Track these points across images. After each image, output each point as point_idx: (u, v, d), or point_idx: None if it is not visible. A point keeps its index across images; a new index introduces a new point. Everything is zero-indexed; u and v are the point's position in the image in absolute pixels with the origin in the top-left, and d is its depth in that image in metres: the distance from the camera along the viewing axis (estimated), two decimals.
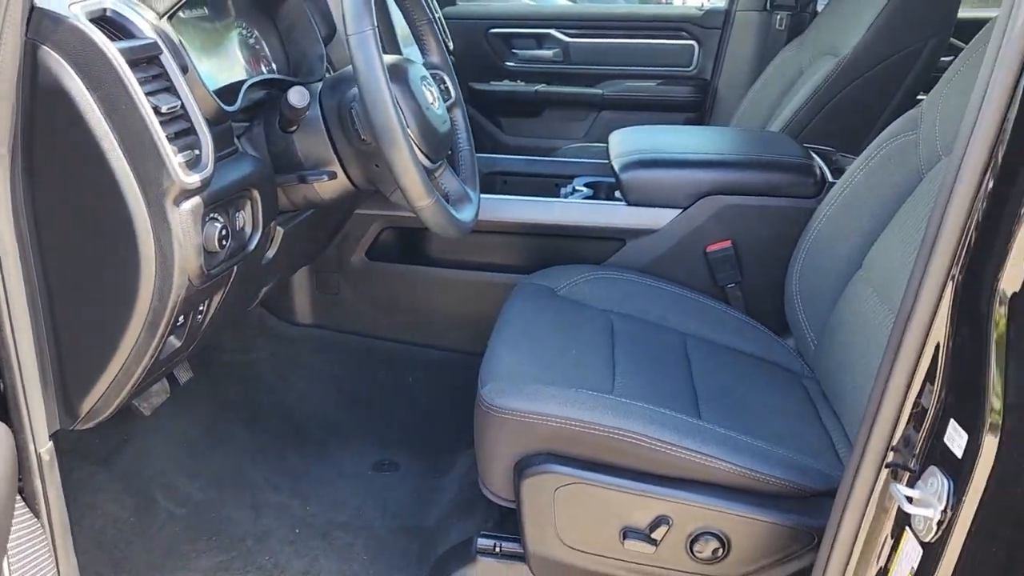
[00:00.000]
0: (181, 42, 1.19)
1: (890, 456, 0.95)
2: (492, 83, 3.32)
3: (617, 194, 1.89)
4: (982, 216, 0.84)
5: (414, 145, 1.34)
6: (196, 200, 1.10)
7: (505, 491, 1.33)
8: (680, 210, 1.81)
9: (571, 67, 3.27)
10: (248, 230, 1.30)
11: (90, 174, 1.05)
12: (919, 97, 2.25)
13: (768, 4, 2.99)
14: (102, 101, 1.03)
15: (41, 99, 1.02)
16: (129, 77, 1.03)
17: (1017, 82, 0.82)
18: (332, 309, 2.08)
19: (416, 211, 1.32)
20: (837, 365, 1.44)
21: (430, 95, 1.45)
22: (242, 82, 1.37)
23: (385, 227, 1.97)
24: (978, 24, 1.46)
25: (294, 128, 1.40)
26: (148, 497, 1.75)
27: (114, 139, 1.03)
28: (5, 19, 0.95)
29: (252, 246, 1.30)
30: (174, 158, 1.06)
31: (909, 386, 0.92)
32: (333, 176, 1.42)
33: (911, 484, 0.91)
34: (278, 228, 1.47)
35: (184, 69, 1.15)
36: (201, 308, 1.27)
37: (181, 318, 1.20)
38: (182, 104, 1.11)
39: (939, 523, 0.86)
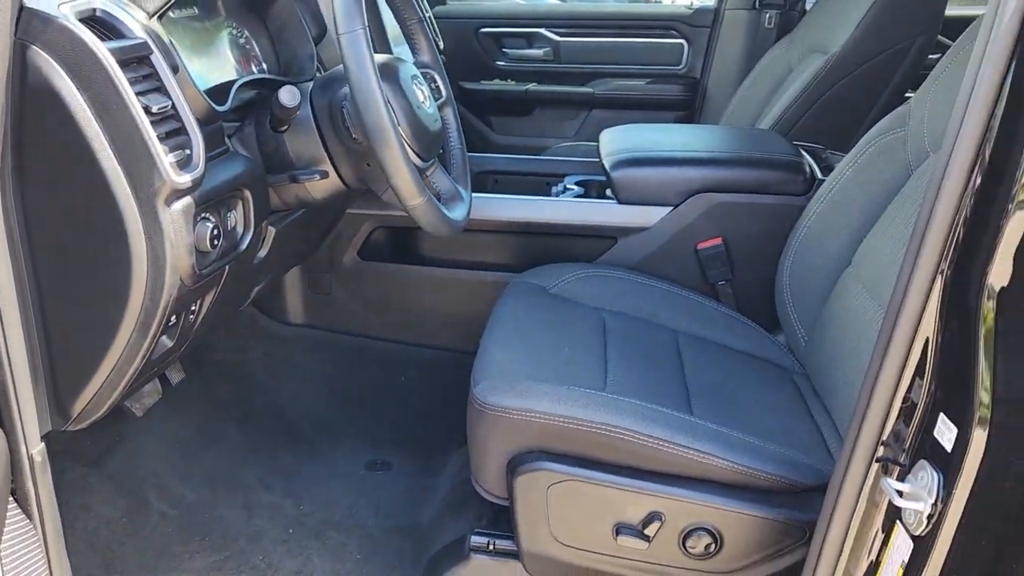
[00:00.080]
0: (171, 42, 1.19)
1: (880, 450, 0.96)
2: (482, 82, 3.32)
3: (608, 192, 1.90)
4: (970, 212, 0.85)
5: (405, 144, 1.34)
6: (187, 200, 1.10)
7: (498, 489, 1.33)
8: (671, 208, 1.82)
9: (561, 66, 3.28)
10: (240, 230, 1.30)
11: (81, 174, 1.05)
12: (907, 95, 2.26)
13: (757, 2, 3.00)
14: (92, 101, 1.02)
15: (31, 99, 1.01)
16: (119, 77, 1.03)
17: (1004, 79, 0.82)
18: (324, 309, 2.08)
19: (408, 210, 1.32)
20: (827, 361, 1.45)
21: (421, 94, 1.45)
22: (232, 82, 1.37)
23: (377, 226, 1.97)
24: (965, 22, 1.47)
25: (285, 128, 1.40)
26: (140, 498, 1.75)
27: (104, 139, 1.03)
28: None
29: (244, 246, 1.30)
30: (165, 158, 1.05)
31: (899, 381, 0.92)
32: (325, 175, 1.42)
33: (901, 478, 0.92)
34: (270, 228, 1.47)
35: (175, 69, 1.15)
36: (193, 308, 1.26)
37: (173, 318, 1.19)
38: (173, 104, 1.11)
39: (929, 516, 0.87)
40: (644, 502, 1.24)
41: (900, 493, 0.90)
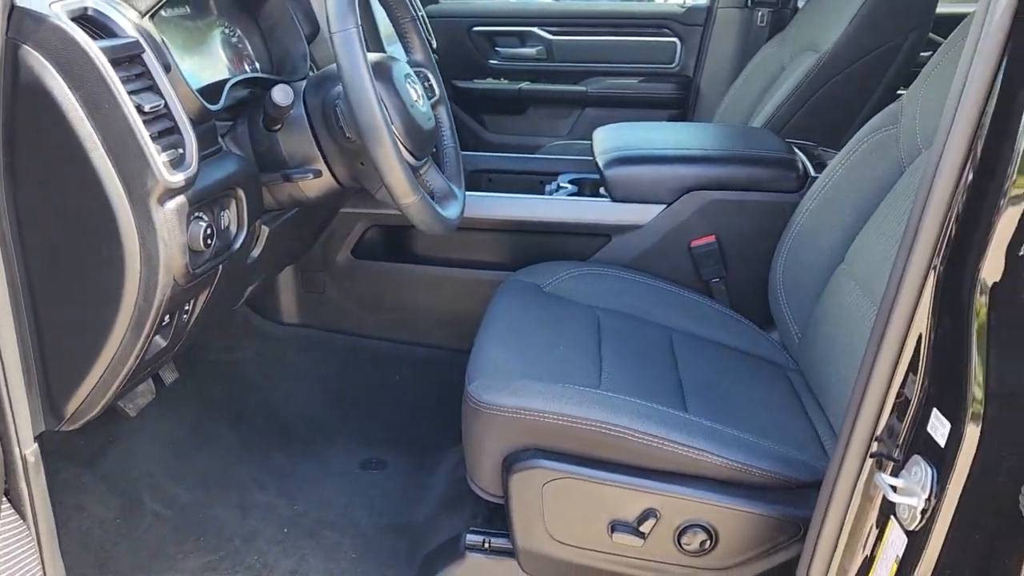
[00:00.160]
0: (163, 41, 1.18)
1: (874, 446, 0.96)
2: (475, 81, 3.31)
3: (602, 190, 1.90)
4: (962, 208, 0.85)
5: (399, 142, 1.34)
6: (181, 199, 1.10)
7: (493, 487, 1.33)
8: (664, 206, 1.82)
9: (554, 65, 3.28)
10: (233, 229, 1.30)
11: (73, 173, 1.04)
12: (899, 92, 2.27)
13: (749, 1, 3.00)
14: (84, 100, 1.02)
15: (23, 98, 1.01)
16: (111, 76, 1.02)
17: (995, 76, 0.83)
18: (318, 308, 2.07)
19: (401, 208, 1.32)
20: (821, 357, 1.45)
21: (414, 92, 1.45)
22: (225, 81, 1.37)
23: (371, 225, 1.97)
24: (956, 19, 1.48)
25: (278, 127, 1.39)
26: (134, 498, 1.74)
27: (97, 138, 1.03)
28: None
29: (237, 245, 1.30)
30: (158, 157, 1.05)
31: (892, 377, 0.93)
32: (318, 174, 1.42)
33: (895, 473, 0.92)
34: (263, 227, 1.47)
35: (167, 68, 1.15)
36: (187, 307, 1.26)
37: (166, 318, 1.19)
38: (165, 103, 1.10)
39: (923, 512, 0.87)
40: (639, 499, 1.25)
41: (894, 488, 0.90)
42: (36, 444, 1.11)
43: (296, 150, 1.41)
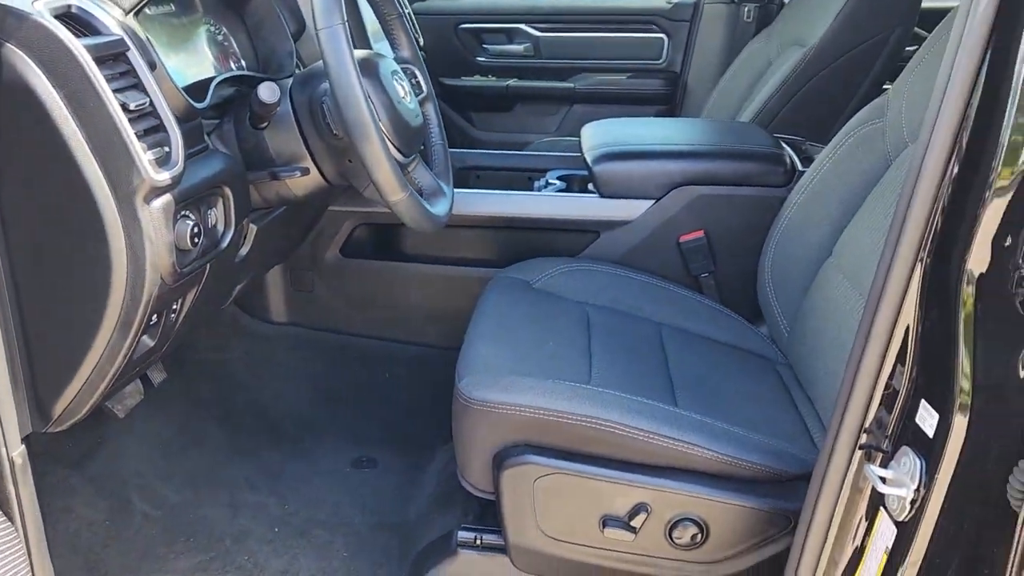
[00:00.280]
0: (148, 39, 1.18)
1: (863, 438, 0.97)
2: (463, 78, 3.31)
3: (590, 186, 1.90)
4: (948, 200, 0.86)
5: (386, 139, 1.33)
6: (167, 198, 1.09)
7: (484, 483, 1.33)
8: (653, 201, 1.82)
9: (542, 61, 3.27)
10: (220, 227, 1.29)
11: (58, 172, 1.04)
12: (885, 86, 2.28)
13: None
14: (69, 99, 1.01)
15: (6, 97, 1.00)
16: (96, 74, 1.02)
17: (979, 69, 0.83)
18: (307, 307, 2.06)
19: (390, 205, 1.32)
20: (810, 350, 1.46)
21: (401, 89, 1.45)
22: (211, 79, 1.36)
23: (359, 223, 1.96)
24: (941, 13, 1.49)
25: (265, 124, 1.39)
26: (123, 499, 1.73)
27: (82, 137, 1.02)
28: None
29: (225, 244, 1.29)
30: (143, 155, 1.05)
31: (880, 368, 0.93)
32: (306, 172, 1.41)
33: (884, 465, 0.92)
34: (251, 225, 1.46)
35: (152, 66, 1.14)
36: (174, 307, 1.25)
37: (154, 317, 1.18)
38: (151, 101, 1.10)
39: (912, 502, 0.88)
40: (630, 494, 1.25)
41: (883, 480, 0.91)
42: (23, 446, 1.10)
43: (283, 148, 1.40)
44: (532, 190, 2.01)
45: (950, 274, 0.84)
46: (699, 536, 1.25)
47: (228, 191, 1.28)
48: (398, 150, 1.39)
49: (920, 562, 0.88)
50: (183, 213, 1.16)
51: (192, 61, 1.40)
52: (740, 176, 1.81)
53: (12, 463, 1.08)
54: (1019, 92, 0.79)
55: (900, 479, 0.89)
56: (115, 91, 1.04)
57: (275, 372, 2.08)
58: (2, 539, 1.07)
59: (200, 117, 1.29)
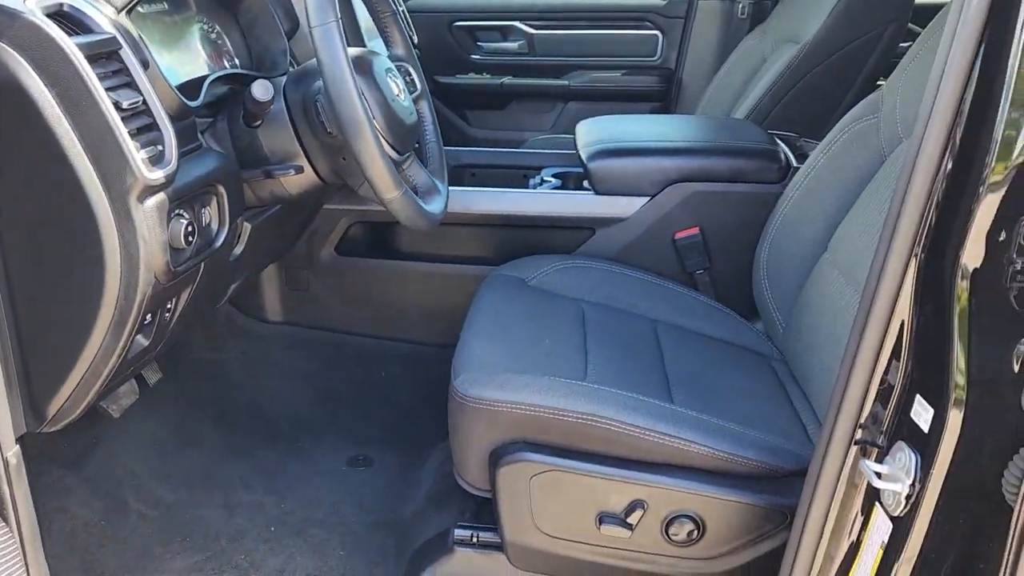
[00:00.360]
0: (141, 37, 1.17)
1: (858, 433, 0.97)
2: (457, 76, 3.30)
3: (585, 184, 1.90)
4: (942, 195, 0.86)
5: (381, 137, 1.33)
6: (160, 196, 1.09)
7: (481, 481, 1.33)
8: (648, 198, 1.82)
9: (536, 59, 3.27)
10: (214, 226, 1.29)
11: (51, 172, 1.03)
12: (879, 82, 2.28)
13: None
14: (61, 98, 1.01)
15: None
16: (88, 73, 1.01)
17: (972, 64, 0.83)
18: (302, 305, 2.06)
19: (384, 203, 1.32)
20: (805, 346, 1.46)
21: (395, 87, 1.44)
22: (204, 77, 1.36)
23: (354, 222, 1.96)
24: (935, 9, 1.49)
25: (259, 123, 1.38)
26: (119, 499, 1.73)
27: (75, 136, 1.02)
28: None
29: (219, 242, 1.29)
30: (137, 154, 1.04)
31: (875, 364, 0.93)
32: (300, 170, 1.41)
33: (879, 460, 0.93)
34: (245, 224, 1.46)
35: (145, 64, 1.14)
36: (169, 306, 1.25)
37: (148, 316, 1.18)
38: (144, 100, 1.10)
39: (908, 497, 0.88)
40: (626, 490, 1.25)
41: (878, 475, 0.91)
42: (18, 446, 1.10)
43: (277, 146, 1.40)
44: (527, 188, 2.01)
45: (944, 269, 0.84)
46: (695, 532, 1.25)
47: (222, 189, 1.28)
48: (392, 148, 1.39)
49: (916, 557, 0.89)
50: (177, 212, 1.16)
51: (185, 59, 1.40)
52: (735, 173, 1.81)
53: (7, 463, 1.07)
54: (1012, 87, 0.79)
55: (895, 474, 0.89)
56: (108, 90, 1.04)
57: (271, 371, 2.07)
58: None
59: (193, 115, 1.28)
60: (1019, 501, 0.79)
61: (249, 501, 1.77)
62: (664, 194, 1.81)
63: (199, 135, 1.32)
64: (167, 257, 1.12)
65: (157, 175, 1.06)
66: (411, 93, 1.57)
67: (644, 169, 1.83)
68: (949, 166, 0.85)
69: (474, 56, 3.29)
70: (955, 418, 0.83)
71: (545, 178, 2.02)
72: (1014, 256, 0.79)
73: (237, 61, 1.53)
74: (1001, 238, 0.79)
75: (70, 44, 1.01)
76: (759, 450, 1.25)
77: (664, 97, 3.20)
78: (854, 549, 0.98)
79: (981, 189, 0.80)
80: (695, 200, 1.81)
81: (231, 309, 2.09)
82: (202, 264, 1.26)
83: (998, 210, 0.80)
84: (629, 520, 1.25)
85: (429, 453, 1.87)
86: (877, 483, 0.90)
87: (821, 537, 1.02)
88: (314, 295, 2.04)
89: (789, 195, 1.65)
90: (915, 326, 0.89)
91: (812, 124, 2.17)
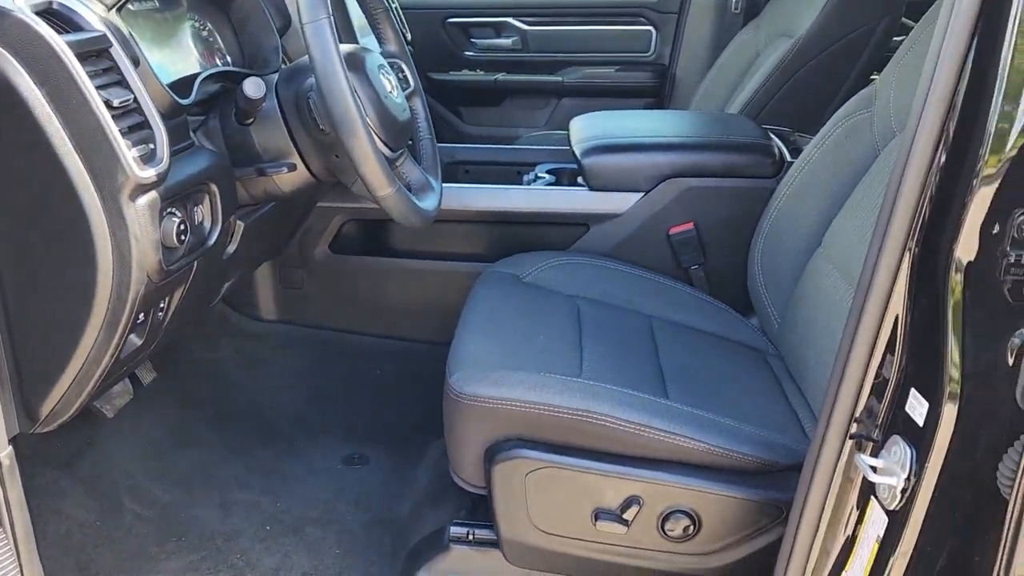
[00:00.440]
0: (131, 34, 1.17)
1: (854, 427, 0.97)
2: (451, 73, 3.30)
3: (579, 180, 1.89)
4: (936, 189, 0.86)
5: (373, 134, 1.32)
6: (152, 195, 1.08)
7: (476, 478, 1.33)
8: (642, 194, 1.82)
9: (530, 55, 3.26)
10: (207, 225, 1.28)
11: (42, 171, 1.03)
12: (872, 77, 2.28)
13: None
14: (51, 96, 1.01)
15: None
16: (79, 71, 1.01)
17: (965, 58, 0.83)
18: (297, 304, 2.06)
19: (378, 201, 1.31)
20: (800, 341, 1.46)
21: (388, 83, 1.44)
22: (196, 75, 1.35)
23: (348, 219, 1.96)
24: (928, 2, 1.48)
25: (251, 120, 1.38)
26: (114, 500, 1.72)
27: (65, 135, 1.01)
28: None
29: (212, 241, 1.28)
30: (128, 152, 1.04)
31: (870, 358, 0.93)
32: (293, 168, 1.41)
33: (875, 454, 0.93)
34: (238, 222, 1.46)
35: (135, 62, 1.13)
36: (162, 305, 1.25)
37: (141, 316, 1.18)
38: (135, 98, 1.09)
39: (903, 491, 0.88)
40: (622, 487, 1.25)
41: (874, 469, 0.91)
42: (10, 447, 1.09)
43: (270, 144, 1.39)
44: (521, 184, 2.01)
45: (938, 263, 0.84)
46: (691, 528, 1.25)
47: (214, 188, 1.28)
48: (385, 145, 1.38)
49: (911, 550, 0.89)
50: (169, 210, 1.15)
51: (177, 57, 1.39)
52: (729, 168, 1.81)
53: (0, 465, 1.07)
54: (1005, 80, 0.79)
55: (890, 468, 0.89)
56: (98, 88, 1.03)
57: (265, 370, 2.07)
58: None
59: (185, 113, 1.28)
60: (1014, 493, 0.79)
61: (245, 500, 1.76)
62: (658, 190, 1.81)
63: (191, 133, 1.31)
64: (159, 256, 1.11)
65: (148, 173, 1.05)
66: (404, 90, 1.57)
67: (638, 165, 1.83)
68: (942, 159, 0.85)
69: (468, 52, 3.29)
70: (950, 411, 0.83)
71: (539, 174, 2.01)
72: (1008, 249, 0.79)
73: (229, 59, 1.53)
74: (995, 231, 0.80)
75: (60, 42, 1.00)
76: (754, 445, 1.25)
77: (658, 93, 3.19)
78: (850, 543, 0.98)
79: (974, 182, 0.80)
80: (689, 195, 1.80)
81: (225, 308, 2.08)
82: (195, 263, 1.25)
83: (991, 203, 0.80)
84: (625, 516, 1.25)
85: (425, 451, 1.87)
86: (872, 477, 0.90)
87: (817, 531, 1.02)
88: (308, 293, 2.03)
89: (783, 190, 1.65)
90: (909, 320, 0.89)
91: (806, 119, 2.17)
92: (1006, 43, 0.79)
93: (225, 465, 1.85)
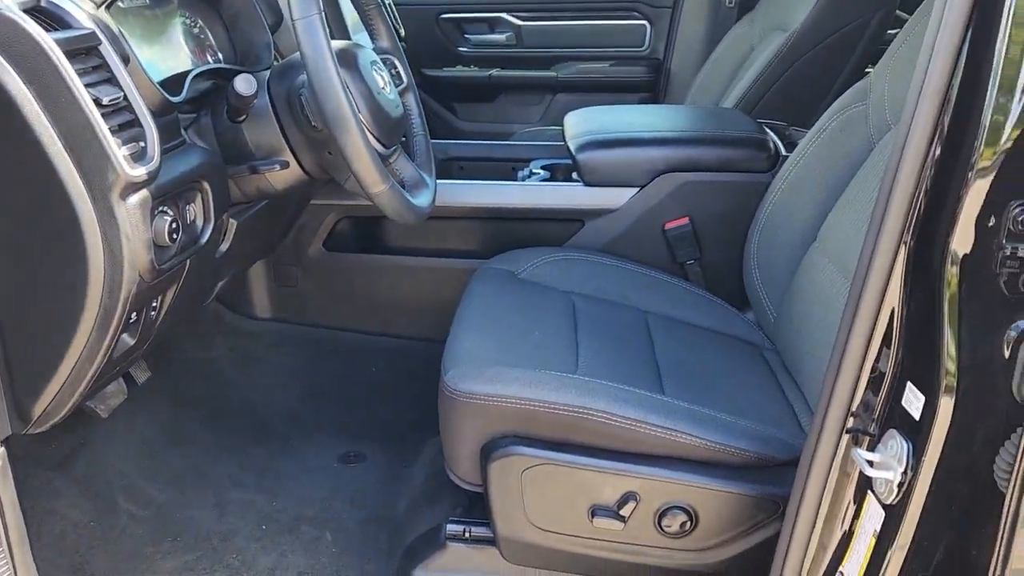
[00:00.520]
0: (121, 32, 1.16)
1: (850, 421, 0.96)
2: (445, 69, 3.29)
3: (574, 175, 1.89)
4: (931, 182, 0.86)
5: (366, 130, 1.32)
6: (143, 193, 1.08)
7: (472, 476, 1.32)
8: (637, 189, 1.82)
9: (524, 51, 3.25)
10: (199, 223, 1.27)
11: (31, 170, 1.02)
12: (867, 70, 2.28)
13: None
14: (40, 95, 1.00)
15: None
16: (67, 69, 1.00)
17: (959, 50, 0.83)
18: (291, 302, 2.05)
19: (371, 198, 1.31)
20: (796, 335, 1.46)
21: (381, 80, 1.43)
22: (187, 72, 1.34)
23: (342, 217, 1.95)
24: None
25: (243, 117, 1.37)
26: (109, 500, 1.71)
27: (55, 133, 1.01)
28: None
29: (204, 239, 1.28)
30: (118, 151, 1.03)
31: (866, 351, 0.93)
32: (285, 165, 1.40)
33: (871, 448, 0.92)
34: (231, 220, 1.45)
35: (125, 59, 1.12)
36: (154, 304, 1.24)
37: (133, 315, 1.17)
38: (125, 95, 1.08)
39: (900, 485, 0.88)
40: (619, 483, 1.24)
41: (870, 463, 0.90)
42: (3, 448, 1.09)
43: (262, 141, 1.39)
44: (516, 180, 2.00)
45: (934, 256, 0.84)
46: (688, 524, 1.25)
47: (207, 186, 1.27)
48: (378, 141, 1.38)
49: (908, 545, 0.88)
50: (161, 209, 1.15)
51: (167, 54, 1.38)
52: (724, 162, 1.80)
53: None
54: (1000, 72, 0.79)
55: (887, 462, 0.89)
56: (87, 85, 1.02)
57: (260, 368, 2.06)
58: None
59: (176, 111, 1.27)
60: (1011, 486, 0.79)
61: (240, 499, 1.76)
62: (653, 184, 1.81)
63: (182, 131, 1.30)
64: (151, 255, 1.10)
65: (139, 172, 1.05)
66: (397, 86, 1.56)
67: (633, 160, 1.82)
68: (937, 152, 0.85)
69: (461, 48, 3.28)
70: (946, 405, 0.83)
71: (534, 170, 2.01)
72: (1003, 241, 0.79)
73: (220, 56, 1.52)
74: (990, 224, 0.79)
75: (48, 40, 0.99)
76: (751, 440, 1.25)
77: (653, 87, 3.19)
78: (847, 538, 0.98)
79: (969, 175, 0.80)
80: (684, 190, 1.80)
81: (219, 307, 2.07)
82: (187, 261, 1.25)
83: (987, 195, 0.80)
84: (622, 512, 1.25)
85: (421, 448, 1.86)
86: (869, 471, 0.90)
87: (814, 526, 1.02)
88: (303, 291, 2.02)
89: (778, 184, 1.65)
90: (905, 313, 0.89)
91: (801, 112, 2.17)
92: (1000, 34, 0.79)
93: (220, 464, 1.84)
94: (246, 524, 1.69)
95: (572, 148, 1.86)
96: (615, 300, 1.64)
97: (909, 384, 0.88)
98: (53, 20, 1.06)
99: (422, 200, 1.48)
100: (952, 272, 0.81)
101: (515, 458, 1.25)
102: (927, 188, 0.86)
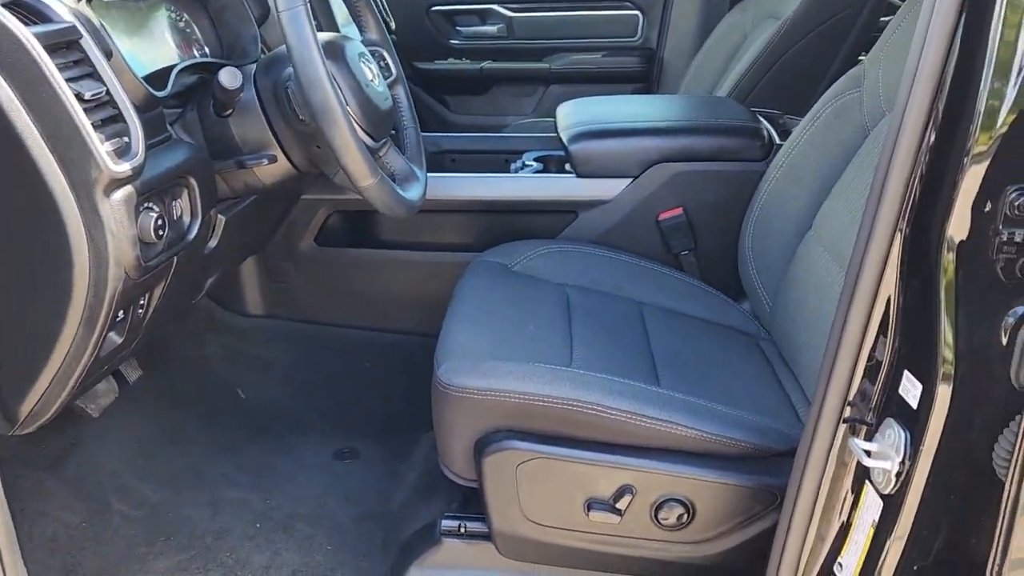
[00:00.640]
0: (103, 25, 1.14)
1: (847, 411, 0.96)
2: (437, 62, 3.27)
3: (567, 167, 1.87)
4: (926, 168, 0.85)
5: (355, 124, 1.30)
6: (128, 189, 1.06)
7: (467, 471, 1.31)
8: (630, 179, 1.80)
9: (516, 42, 3.23)
10: (187, 219, 1.26)
11: (12, 167, 1.00)
12: (860, 57, 2.26)
13: None
14: (20, 90, 0.98)
15: None
16: (47, 63, 0.98)
17: (953, 35, 0.82)
18: (283, 298, 2.04)
19: (361, 191, 1.29)
20: (792, 324, 1.45)
21: (369, 72, 1.41)
22: (172, 66, 1.32)
23: (332, 211, 1.93)
24: None
25: (229, 112, 1.35)
26: (101, 501, 1.70)
27: (35, 129, 0.99)
28: None
29: (191, 235, 1.26)
30: (101, 147, 1.01)
31: (863, 340, 0.92)
32: (273, 160, 1.38)
33: (869, 438, 0.91)
34: (219, 216, 1.43)
35: (108, 54, 1.11)
36: (141, 302, 1.22)
37: (120, 313, 1.15)
38: (107, 90, 1.06)
39: (898, 475, 0.87)
40: (615, 476, 1.23)
41: (868, 453, 0.90)
42: None
43: (249, 135, 1.37)
44: (509, 172, 1.98)
45: (930, 242, 0.83)
46: (685, 516, 1.24)
47: (193, 181, 1.25)
48: (367, 134, 1.36)
49: (907, 534, 0.88)
50: (146, 205, 1.13)
51: (152, 48, 1.36)
52: (717, 151, 1.79)
53: None
54: (995, 56, 0.77)
55: (885, 452, 0.88)
56: (68, 80, 1.01)
57: (253, 365, 2.05)
58: None
59: (161, 106, 1.25)
60: (1010, 474, 0.78)
61: (234, 498, 1.74)
62: (647, 175, 1.79)
63: (168, 126, 1.29)
64: (137, 251, 1.09)
65: (123, 168, 1.03)
66: (386, 78, 1.54)
67: (626, 150, 1.81)
68: (932, 138, 0.84)
69: (453, 41, 3.26)
70: (944, 393, 0.82)
71: (526, 162, 1.99)
72: (1000, 227, 0.77)
73: (207, 50, 1.50)
74: (987, 209, 0.78)
75: (27, 34, 0.98)
76: (747, 431, 1.24)
77: (646, 77, 3.17)
78: (845, 529, 0.97)
79: (965, 160, 0.79)
80: (678, 180, 1.79)
81: (210, 303, 2.06)
82: (175, 258, 1.23)
83: (983, 181, 0.78)
84: (618, 506, 1.24)
85: (415, 444, 1.85)
86: (867, 461, 0.89)
87: (812, 517, 1.01)
88: (295, 287, 2.01)
89: (772, 173, 1.64)
90: (901, 301, 0.88)
91: (795, 100, 2.15)
92: (995, 18, 0.77)
93: (213, 463, 1.83)
94: (240, 523, 1.68)
95: (565, 139, 1.85)
96: (609, 292, 1.62)
97: (906, 372, 0.87)
98: (32, 14, 1.04)
99: (412, 193, 1.47)
100: (948, 259, 0.80)
101: (510, 452, 1.24)
102: (922, 174, 0.85)
